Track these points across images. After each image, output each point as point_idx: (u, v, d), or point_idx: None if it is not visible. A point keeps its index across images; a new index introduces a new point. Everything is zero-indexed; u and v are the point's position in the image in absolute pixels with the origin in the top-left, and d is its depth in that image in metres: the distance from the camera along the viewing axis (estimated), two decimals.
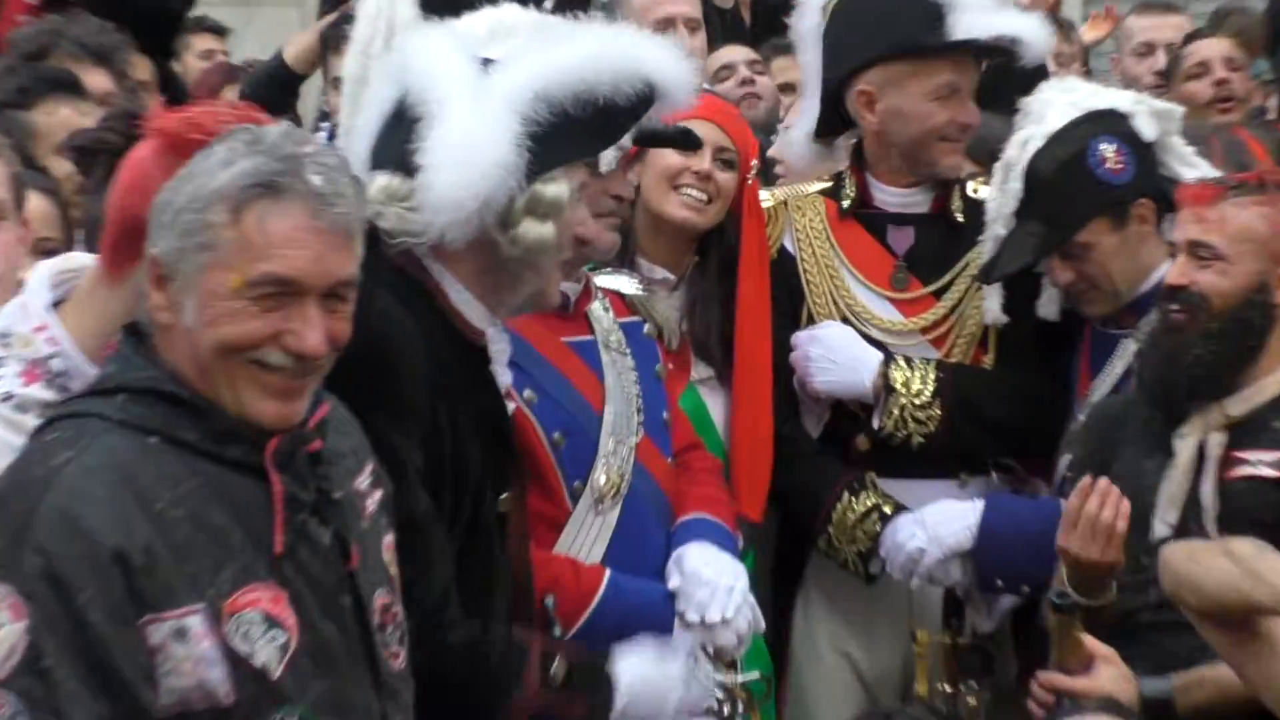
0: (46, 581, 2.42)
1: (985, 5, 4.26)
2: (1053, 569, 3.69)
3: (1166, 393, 3.69)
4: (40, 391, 2.85)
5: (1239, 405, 3.68)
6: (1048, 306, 4.22)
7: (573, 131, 3.18)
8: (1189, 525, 3.59)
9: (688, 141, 3.85)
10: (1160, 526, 3.66)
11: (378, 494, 2.86)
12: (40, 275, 3.01)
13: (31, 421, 2.77)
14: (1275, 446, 3.61)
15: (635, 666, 3.44)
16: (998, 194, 4.15)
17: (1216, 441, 3.65)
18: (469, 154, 3.05)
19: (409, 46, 3.39)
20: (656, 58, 3.27)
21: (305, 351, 2.52)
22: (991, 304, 4.21)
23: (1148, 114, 4.19)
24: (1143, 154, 4.11)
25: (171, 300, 2.54)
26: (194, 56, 6.76)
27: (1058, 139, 4.07)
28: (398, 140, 3.20)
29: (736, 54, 6.04)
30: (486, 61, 3.18)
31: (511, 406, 3.43)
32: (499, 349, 3.33)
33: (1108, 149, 4.02)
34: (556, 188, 3.14)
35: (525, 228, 3.11)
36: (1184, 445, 3.68)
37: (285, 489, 2.59)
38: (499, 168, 3.02)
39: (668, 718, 3.45)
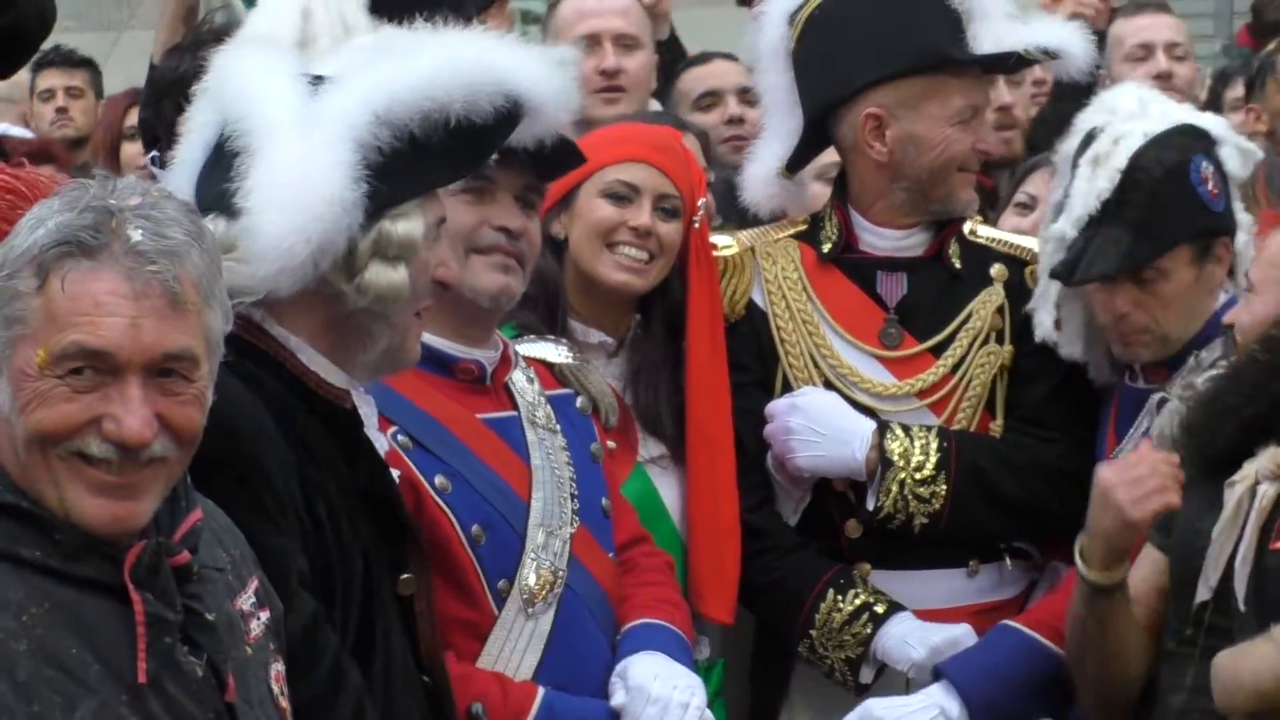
0: None
1: (1008, 12, 3.93)
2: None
3: (1205, 440, 3.33)
4: None
5: None
6: (1071, 345, 3.79)
7: (423, 158, 2.87)
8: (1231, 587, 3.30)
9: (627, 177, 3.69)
10: (1202, 590, 3.32)
11: (264, 615, 2.57)
12: None
13: None
14: None
15: None
16: (1084, 186, 3.74)
17: (1265, 493, 3.26)
18: (296, 191, 2.74)
19: (225, 64, 3.05)
20: (521, 66, 2.96)
21: (124, 440, 2.20)
22: (1044, 318, 3.80)
23: (1236, 147, 3.85)
24: (1229, 187, 3.80)
25: None
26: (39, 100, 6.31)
27: (1161, 142, 3.72)
28: (218, 178, 2.89)
29: (726, 77, 5.40)
30: (316, 79, 2.89)
31: (397, 473, 3.07)
32: (366, 411, 3.00)
33: (1208, 169, 3.71)
34: (408, 225, 2.81)
35: (372, 273, 2.79)
36: (1232, 495, 3.32)
37: (147, 609, 2.29)
38: (333, 205, 2.71)
39: None
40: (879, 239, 3.89)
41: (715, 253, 3.92)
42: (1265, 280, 3.41)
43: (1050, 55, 3.95)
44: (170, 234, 2.29)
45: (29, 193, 2.69)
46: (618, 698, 3.28)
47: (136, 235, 2.25)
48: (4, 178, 2.79)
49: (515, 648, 3.30)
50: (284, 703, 2.55)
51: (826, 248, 3.88)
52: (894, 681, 3.75)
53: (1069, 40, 3.95)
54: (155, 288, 2.26)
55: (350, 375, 2.93)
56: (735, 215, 4.37)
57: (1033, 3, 5.01)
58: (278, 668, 2.57)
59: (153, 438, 2.24)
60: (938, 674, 3.66)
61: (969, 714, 3.68)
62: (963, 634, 3.67)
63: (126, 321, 2.25)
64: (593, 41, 4.90)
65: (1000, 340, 3.90)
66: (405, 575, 2.94)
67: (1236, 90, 6.75)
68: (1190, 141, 3.74)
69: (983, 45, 3.82)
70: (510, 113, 2.93)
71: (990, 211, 4.81)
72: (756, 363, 3.87)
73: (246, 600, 2.55)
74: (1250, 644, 3.10)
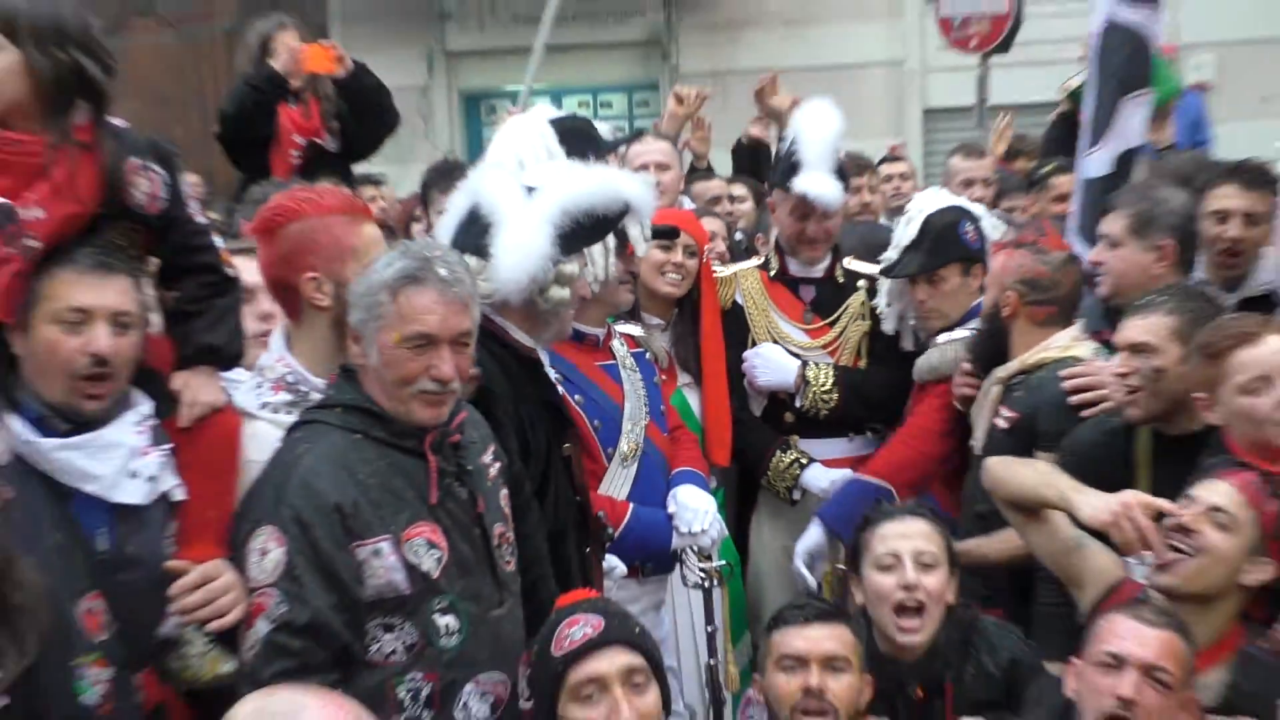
0: (295, 524, 3.02)
1: (821, 164, 5.02)
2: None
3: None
4: (283, 396, 3.40)
5: (1003, 371, 4.41)
6: (888, 322, 5.04)
7: (580, 233, 3.77)
8: None
9: (669, 234, 4.70)
10: (975, 445, 4.48)
11: (497, 465, 3.44)
12: (277, 328, 3.58)
13: (284, 418, 3.31)
14: (1013, 408, 4.32)
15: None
16: (901, 232, 4.90)
17: (991, 394, 4.45)
18: (521, 248, 3.66)
19: (480, 178, 3.94)
20: (631, 187, 3.94)
21: (443, 378, 3.11)
22: (890, 317, 5.06)
23: (989, 221, 5.05)
24: (985, 241, 4.86)
25: (364, 351, 3.13)
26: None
27: (943, 212, 4.86)
28: (473, 235, 3.73)
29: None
30: (530, 188, 3.77)
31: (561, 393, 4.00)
32: (545, 360, 3.85)
33: (970, 227, 4.82)
34: (570, 267, 3.76)
35: (553, 292, 3.75)
36: (986, 390, 4.47)
37: (437, 464, 3.19)
38: (539, 256, 3.66)
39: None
40: (799, 268, 5.18)
41: (715, 275, 5.11)
42: (989, 285, 4.58)
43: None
44: (457, 270, 3.15)
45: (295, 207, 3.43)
46: (671, 507, 4.40)
47: (443, 271, 3.12)
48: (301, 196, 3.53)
49: (617, 484, 4.39)
50: (507, 510, 3.45)
51: (772, 272, 5.20)
52: (812, 499, 4.95)
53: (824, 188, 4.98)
54: (453, 299, 3.12)
55: (536, 342, 3.83)
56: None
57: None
58: (504, 493, 3.46)
59: (455, 377, 3.15)
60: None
61: (824, 523, 4.82)
62: (845, 475, 4.91)
63: (440, 318, 3.09)
64: (644, 167, 5.72)
65: (864, 319, 5.15)
66: (566, 445, 3.94)
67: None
68: (960, 213, 4.88)
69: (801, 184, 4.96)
70: (624, 211, 3.90)
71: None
72: (737, 332, 5.06)
73: (488, 457, 3.42)
74: (1014, 460, 3.87)
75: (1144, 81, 5.22)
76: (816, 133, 5.07)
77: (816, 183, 5.01)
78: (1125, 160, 5.21)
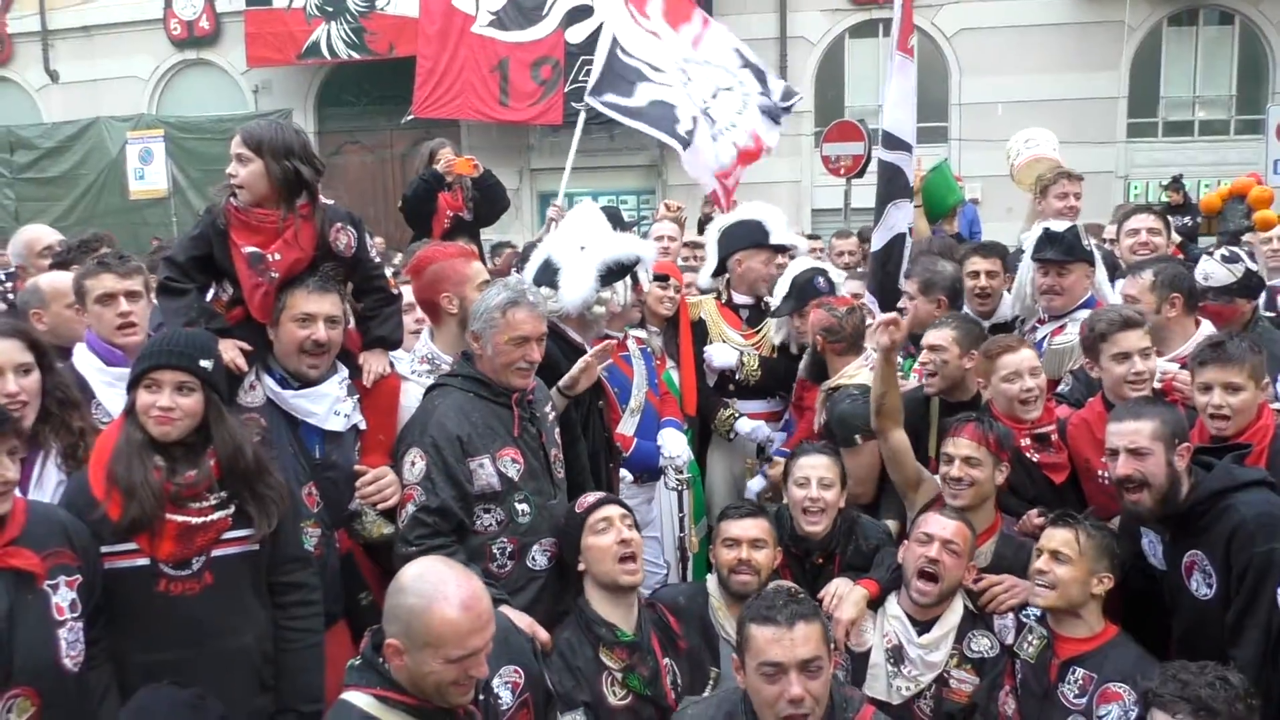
0: (433, 447, 3.08)
1: (781, 223, 4.95)
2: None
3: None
4: (426, 368, 3.46)
5: (823, 387, 4.24)
6: (778, 337, 4.83)
7: (612, 274, 3.90)
8: None
9: (664, 278, 4.66)
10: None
11: (553, 413, 3.47)
12: (425, 328, 3.64)
13: (426, 381, 3.38)
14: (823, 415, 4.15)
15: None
16: (781, 288, 4.69)
17: (820, 400, 4.25)
18: (579, 283, 3.83)
19: (550, 244, 4.10)
20: (642, 249, 4.15)
21: (534, 361, 3.20)
22: (778, 335, 4.82)
23: (836, 274, 4.78)
24: (834, 288, 4.58)
25: (481, 346, 3.18)
26: None
27: (805, 270, 4.64)
28: (547, 275, 3.85)
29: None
30: (583, 247, 3.92)
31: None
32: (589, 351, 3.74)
33: (821, 279, 4.59)
34: (606, 294, 3.90)
35: (595, 309, 3.89)
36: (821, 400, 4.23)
37: (519, 413, 3.23)
38: (591, 289, 3.84)
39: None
40: (739, 299, 4.99)
41: (688, 301, 4.97)
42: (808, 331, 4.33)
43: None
44: (538, 298, 3.25)
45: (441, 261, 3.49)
46: (659, 441, 4.30)
47: (531, 298, 3.19)
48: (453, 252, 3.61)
49: (628, 426, 4.27)
50: (559, 440, 3.42)
51: (724, 299, 5.01)
52: (746, 443, 4.80)
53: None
54: (538, 314, 3.18)
55: (583, 339, 3.85)
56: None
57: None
58: (557, 430, 3.46)
59: (538, 360, 3.21)
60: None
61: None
62: (765, 425, 4.77)
63: (532, 325, 3.16)
64: (659, 237, 5.87)
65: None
66: (600, 401, 3.90)
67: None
68: (815, 271, 4.62)
69: (773, 239, 4.87)
70: (637, 262, 4.04)
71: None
72: (701, 336, 4.91)
73: (548, 408, 3.43)
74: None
75: (903, 193, 5.26)
76: (772, 214, 5.06)
77: (786, 235, 5.06)
78: (894, 242, 5.21)
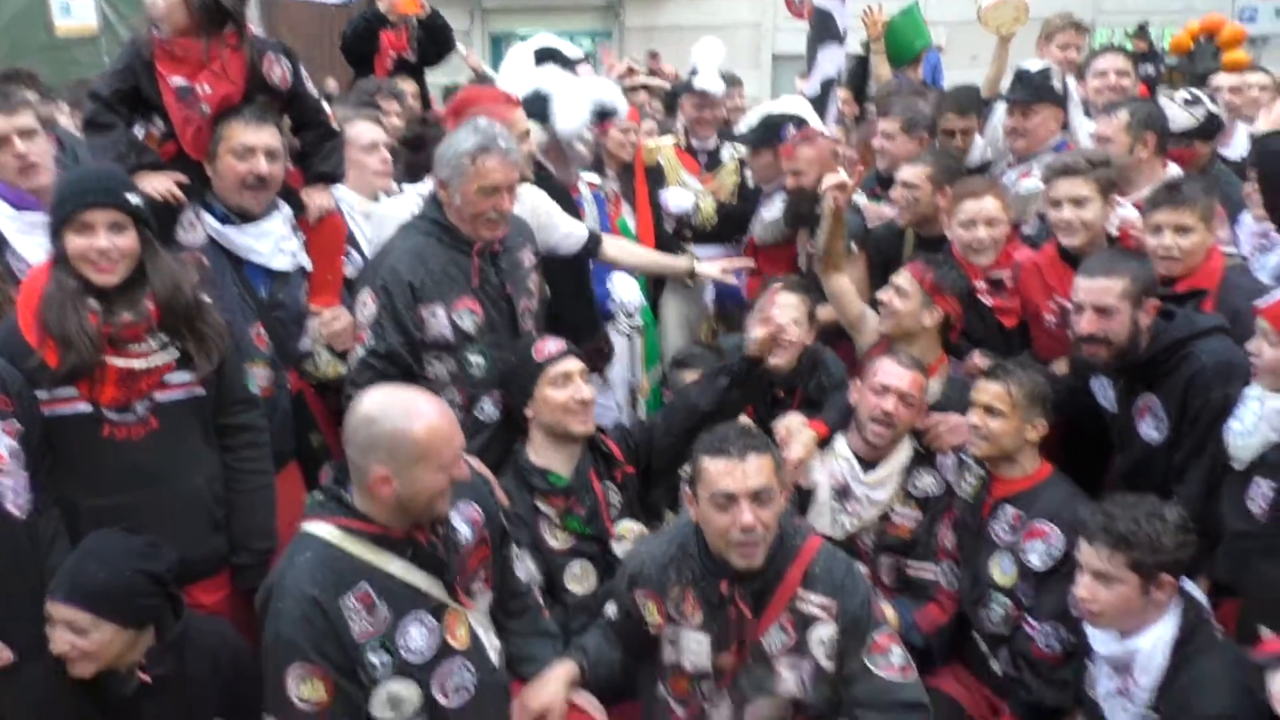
0: (383, 291, 2.99)
1: (712, 72, 4.92)
2: None
3: None
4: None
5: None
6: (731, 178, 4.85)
7: (596, 114, 4.00)
8: None
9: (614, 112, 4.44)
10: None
11: (534, 259, 3.31)
12: None
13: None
14: None
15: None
16: (751, 119, 4.53)
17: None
18: (574, 112, 3.87)
19: (542, 75, 4.03)
20: (619, 98, 4.30)
21: (505, 211, 3.03)
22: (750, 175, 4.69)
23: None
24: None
25: (449, 195, 3.02)
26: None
27: (782, 113, 4.41)
28: (536, 106, 3.77)
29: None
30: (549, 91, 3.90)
31: None
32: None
33: (791, 128, 4.33)
34: (586, 135, 3.97)
35: (579, 146, 3.94)
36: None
37: (478, 264, 3.06)
38: (584, 120, 3.91)
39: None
40: (698, 143, 4.98)
41: (645, 145, 4.86)
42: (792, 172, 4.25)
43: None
44: (510, 143, 3.04)
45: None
46: (609, 286, 4.30)
47: (503, 144, 2.99)
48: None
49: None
50: (534, 290, 3.26)
51: (682, 145, 5.00)
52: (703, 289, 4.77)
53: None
54: (511, 163, 3.01)
55: (564, 178, 3.92)
56: None
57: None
58: (535, 277, 3.29)
59: (510, 209, 3.04)
60: None
61: None
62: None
63: (504, 175, 2.98)
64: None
65: (734, 174, 4.91)
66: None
67: None
68: (788, 118, 4.37)
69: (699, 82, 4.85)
70: (614, 107, 4.14)
71: None
72: (659, 179, 4.83)
73: (525, 253, 3.26)
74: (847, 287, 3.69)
75: (832, 38, 5.21)
76: (709, 55, 4.98)
77: (709, 80, 4.96)
78: (826, 85, 5.21)
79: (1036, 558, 2.94)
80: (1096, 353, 3.02)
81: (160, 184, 2.88)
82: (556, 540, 2.98)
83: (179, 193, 2.92)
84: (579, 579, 3.01)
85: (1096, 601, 2.53)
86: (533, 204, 3.52)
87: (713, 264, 4.17)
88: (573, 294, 3.80)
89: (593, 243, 3.78)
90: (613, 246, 3.91)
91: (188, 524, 2.64)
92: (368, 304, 3.00)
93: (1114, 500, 2.58)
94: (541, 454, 3.01)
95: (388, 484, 2.25)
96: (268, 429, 2.86)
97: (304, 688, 2.21)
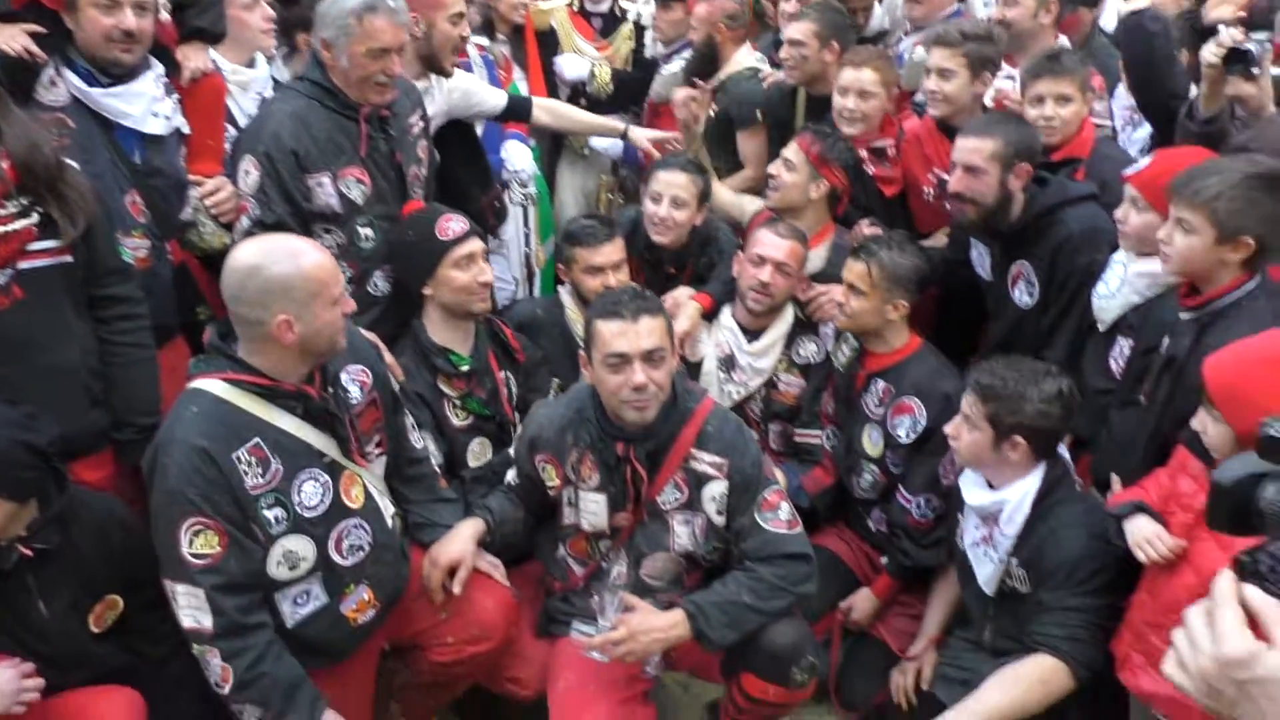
0: (266, 159, 2.91)
1: None
2: None
3: None
4: None
5: (715, 79, 4.26)
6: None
7: None
8: None
9: None
10: None
11: (420, 125, 3.23)
12: None
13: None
14: (717, 104, 4.15)
15: None
16: None
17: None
18: None
19: None
20: None
21: (394, 74, 2.94)
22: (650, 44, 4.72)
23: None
24: None
25: (333, 56, 2.91)
26: None
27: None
28: None
29: None
30: None
31: None
32: None
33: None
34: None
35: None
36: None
37: (366, 130, 2.97)
38: None
39: None
40: (591, 5, 4.88)
41: (537, 9, 4.76)
42: (699, 24, 4.35)
43: None
44: (398, 3, 2.89)
45: None
46: (501, 155, 4.15)
47: (392, 2, 2.89)
48: None
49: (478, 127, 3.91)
50: (424, 156, 3.17)
51: (575, 7, 4.86)
52: (600, 158, 4.76)
53: None
54: (399, 23, 2.91)
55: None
56: None
57: None
58: (424, 143, 3.20)
59: (398, 74, 2.94)
60: None
61: None
62: (616, 141, 4.35)
63: (393, 36, 2.89)
64: None
65: (630, 40, 4.85)
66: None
67: None
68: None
69: None
70: None
71: None
72: (552, 45, 4.76)
73: (414, 118, 3.18)
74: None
75: None
76: None
77: None
78: None
79: (903, 431, 3.06)
80: (963, 211, 3.08)
81: (13, 38, 2.65)
82: (457, 419, 3.00)
83: (35, 48, 2.69)
84: (478, 455, 3.04)
85: (958, 440, 2.68)
86: (453, 81, 3.51)
87: (645, 131, 4.08)
88: (464, 158, 3.70)
89: (524, 105, 3.73)
90: (544, 110, 3.86)
91: (63, 398, 2.55)
92: (250, 172, 2.89)
93: (1009, 359, 2.67)
94: (440, 333, 2.99)
95: (290, 329, 2.23)
96: (144, 301, 2.75)
97: (197, 541, 2.20)
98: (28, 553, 2.29)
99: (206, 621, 2.23)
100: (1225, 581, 1.02)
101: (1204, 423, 2.24)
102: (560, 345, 3.32)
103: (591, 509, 2.63)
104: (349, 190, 2.95)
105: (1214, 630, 1.00)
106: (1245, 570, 1.03)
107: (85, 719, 2.37)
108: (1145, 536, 2.35)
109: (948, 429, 2.72)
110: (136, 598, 2.45)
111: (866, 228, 3.47)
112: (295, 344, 2.25)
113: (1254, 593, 1.00)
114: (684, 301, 3.36)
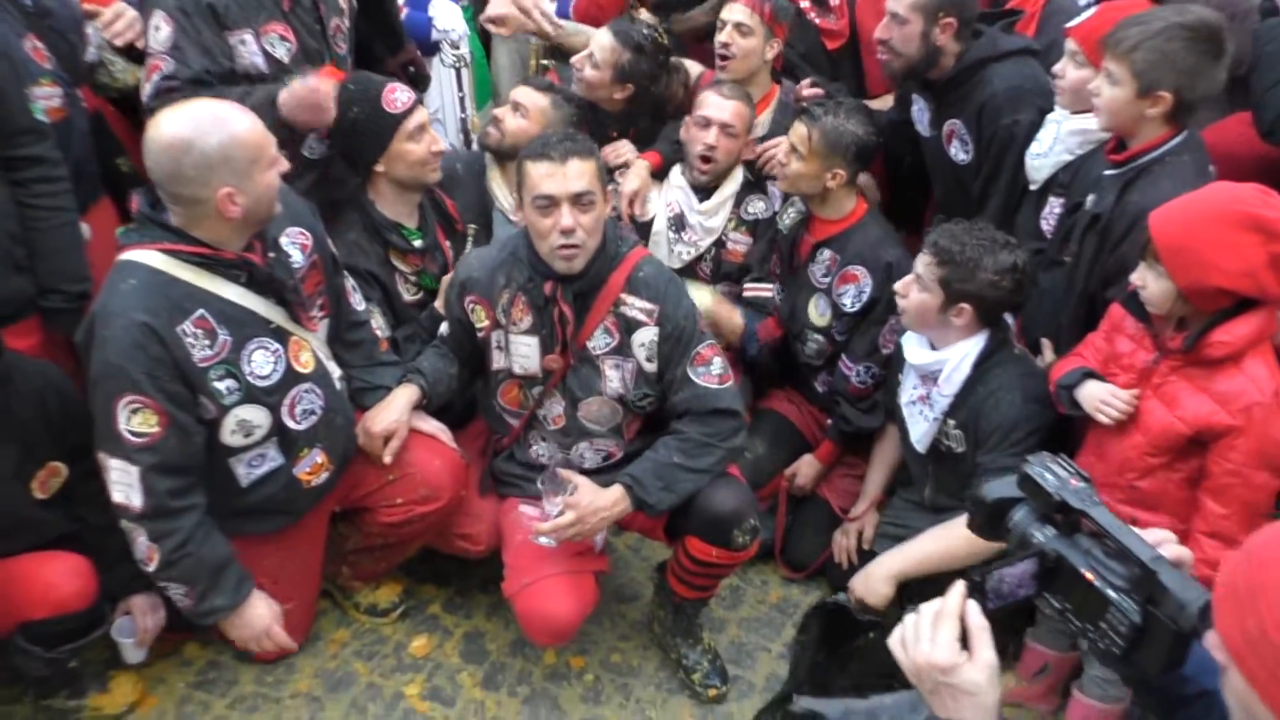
0: (179, 12, 2.65)
1: None
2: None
3: None
4: None
5: None
6: None
7: None
8: None
9: None
10: None
11: None
12: None
13: None
14: None
15: None
16: None
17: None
18: None
19: None
20: None
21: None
22: None
23: None
24: None
25: None
26: None
27: None
28: None
29: None
30: None
31: None
32: None
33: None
34: None
35: None
36: None
37: None
38: None
39: None
40: None
41: None
42: None
43: None
44: None
45: None
46: (430, 12, 4.04)
47: None
48: None
49: None
50: (345, 7, 2.98)
51: None
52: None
53: None
54: None
55: None
56: None
57: None
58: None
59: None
60: None
61: None
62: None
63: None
64: None
65: None
66: None
67: None
68: None
69: None
70: None
71: None
72: None
73: None
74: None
75: None
76: None
77: None
78: None
79: (849, 300, 3.10)
80: (888, 61, 3.04)
81: None
82: (408, 294, 2.97)
83: None
84: None
85: (906, 299, 2.70)
86: None
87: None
88: (366, 11, 3.37)
89: None
90: None
91: None
92: (160, 27, 2.71)
93: (971, 225, 2.67)
94: (390, 207, 2.92)
95: (233, 201, 2.17)
96: (62, 163, 2.60)
97: (135, 419, 2.18)
98: None
99: (136, 500, 2.23)
100: (955, 595, 1.26)
101: (1144, 277, 2.27)
102: (477, 202, 3.24)
103: (523, 351, 2.63)
104: (274, 48, 2.81)
105: (933, 634, 1.24)
106: (975, 587, 1.25)
107: (33, 581, 2.38)
108: (1100, 398, 2.39)
109: (897, 286, 2.74)
110: (79, 466, 2.43)
111: (808, 88, 3.42)
112: (239, 215, 2.20)
113: (973, 611, 1.24)
114: (632, 160, 3.33)
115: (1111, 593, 1.21)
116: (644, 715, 2.79)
